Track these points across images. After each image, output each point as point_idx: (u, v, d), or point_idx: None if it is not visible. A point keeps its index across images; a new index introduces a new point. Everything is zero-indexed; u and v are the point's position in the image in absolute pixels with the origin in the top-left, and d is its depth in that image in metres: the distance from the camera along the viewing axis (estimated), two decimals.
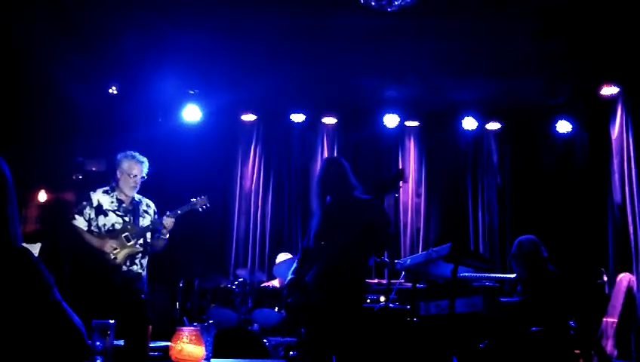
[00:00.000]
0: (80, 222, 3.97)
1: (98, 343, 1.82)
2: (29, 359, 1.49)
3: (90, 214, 4.00)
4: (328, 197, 3.76)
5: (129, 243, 3.99)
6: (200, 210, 4.27)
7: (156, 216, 4.23)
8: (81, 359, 1.62)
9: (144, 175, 4.14)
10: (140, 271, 4.07)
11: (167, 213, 4.10)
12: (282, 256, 6.15)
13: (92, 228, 3.98)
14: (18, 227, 1.58)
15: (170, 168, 6.39)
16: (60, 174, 6.28)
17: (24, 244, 1.59)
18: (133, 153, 4.16)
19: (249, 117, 7.51)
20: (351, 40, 5.61)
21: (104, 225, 4.00)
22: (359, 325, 3.55)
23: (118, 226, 4.01)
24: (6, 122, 5.25)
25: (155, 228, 4.13)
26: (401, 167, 7.35)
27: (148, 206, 4.25)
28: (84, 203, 4.02)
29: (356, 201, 3.64)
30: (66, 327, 1.57)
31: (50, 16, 5.07)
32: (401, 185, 3.65)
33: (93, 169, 6.45)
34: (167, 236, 4.16)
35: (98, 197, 4.05)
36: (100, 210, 4.02)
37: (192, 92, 6.88)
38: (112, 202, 4.07)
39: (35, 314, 1.50)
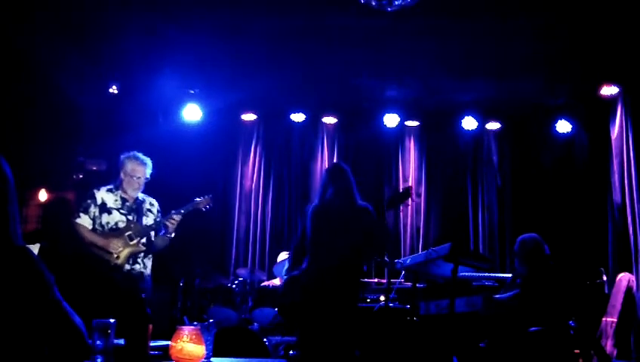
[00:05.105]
0: (84, 221, 3.94)
1: (98, 342, 1.82)
2: (29, 359, 1.50)
3: (94, 212, 3.97)
4: (317, 200, 3.78)
5: (132, 242, 3.96)
6: (203, 209, 4.25)
7: (159, 215, 4.21)
8: (82, 358, 1.63)
9: (147, 176, 4.12)
10: (142, 270, 4.04)
11: (172, 211, 4.08)
12: (282, 256, 6.15)
13: (96, 226, 3.96)
14: (18, 226, 1.58)
15: (171, 168, 6.36)
16: (61, 174, 6.28)
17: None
18: (137, 154, 4.12)
19: (249, 116, 7.51)
20: (351, 40, 5.61)
21: (107, 223, 3.98)
22: (354, 326, 3.55)
23: (121, 225, 3.99)
24: (6, 122, 5.26)
25: (158, 227, 4.11)
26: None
27: (151, 204, 4.22)
28: (89, 201, 3.99)
29: (354, 207, 3.65)
30: (67, 327, 1.57)
31: (51, 17, 5.08)
32: (409, 202, 3.67)
33: (94, 168, 6.46)
34: (173, 235, 4.13)
35: (102, 195, 4.03)
36: (103, 208, 3.99)
37: (192, 92, 6.88)
38: (116, 200, 4.05)
39: (35, 314, 1.50)
